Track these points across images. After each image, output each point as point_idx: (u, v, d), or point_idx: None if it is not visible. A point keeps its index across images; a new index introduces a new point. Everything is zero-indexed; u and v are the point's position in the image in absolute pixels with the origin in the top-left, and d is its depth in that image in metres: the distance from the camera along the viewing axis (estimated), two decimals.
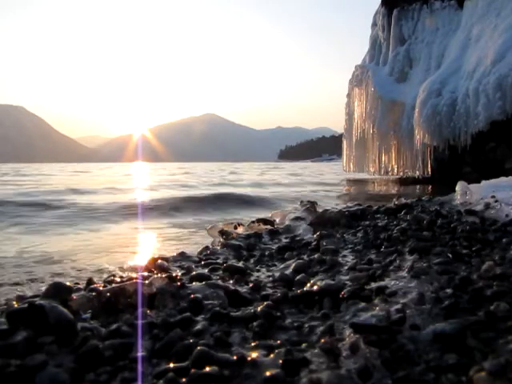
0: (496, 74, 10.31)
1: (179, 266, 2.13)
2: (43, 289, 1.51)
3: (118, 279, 1.78)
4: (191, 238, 3.80)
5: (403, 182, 13.59)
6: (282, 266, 2.11)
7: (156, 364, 1.06)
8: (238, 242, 2.72)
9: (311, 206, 3.84)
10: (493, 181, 4.77)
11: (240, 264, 2.11)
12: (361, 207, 3.98)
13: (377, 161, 15.60)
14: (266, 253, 2.46)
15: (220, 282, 1.70)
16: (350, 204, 4.24)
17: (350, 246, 2.55)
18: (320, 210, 3.73)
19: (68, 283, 1.62)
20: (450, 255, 2.03)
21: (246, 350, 1.11)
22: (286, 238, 2.93)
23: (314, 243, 2.58)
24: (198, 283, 1.64)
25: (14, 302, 1.44)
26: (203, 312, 1.38)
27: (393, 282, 1.63)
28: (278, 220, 3.68)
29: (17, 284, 2.17)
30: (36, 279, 2.27)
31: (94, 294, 1.47)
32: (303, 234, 3.01)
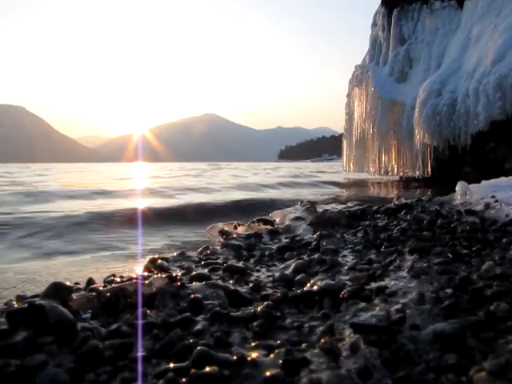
0: (496, 74, 10.31)
1: (179, 266, 2.13)
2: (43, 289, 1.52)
3: (118, 279, 1.78)
4: None
5: (404, 183, 13.60)
6: (282, 266, 2.11)
7: (156, 364, 1.06)
8: (238, 242, 2.72)
9: (311, 206, 3.84)
10: (493, 181, 4.77)
11: (240, 264, 2.11)
12: (361, 207, 3.98)
13: (377, 161, 15.59)
14: (266, 253, 2.46)
15: (220, 281, 1.70)
16: (350, 204, 4.24)
17: (350, 245, 2.55)
18: (320, 210, 3.73)
19: (68, 283, 1.62)
20: (450, 255, 2.03)
21: (246, 350, 1.11)
22: (286, 238, 2.93)
23: (314, 243, 2.58)
24: (197, 283, 1.64)
25: (14, 302, 1.44)
26: (203, 312, 1.38)
27: (393, 282, 1.63)
28: (278, 220, 3.68)
29: None
30: None
31: (93, 293, 1.47)
32: (303, 234, 3.01)
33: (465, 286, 1.51)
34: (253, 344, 1.15)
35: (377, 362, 1.01)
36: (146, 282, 1.55)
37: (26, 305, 1.21)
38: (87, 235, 4.31)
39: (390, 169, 15.19)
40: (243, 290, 1.62)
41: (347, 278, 1.76)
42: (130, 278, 1.72)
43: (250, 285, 1.70)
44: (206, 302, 1.44)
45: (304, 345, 1.14)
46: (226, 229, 3.20)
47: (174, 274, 1.79)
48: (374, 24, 17.83)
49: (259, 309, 1.37)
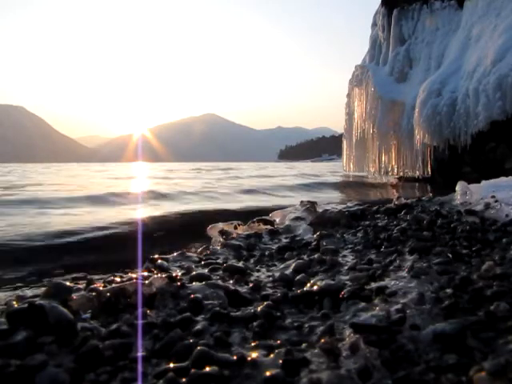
0: (496, 74, 10.31)
1: (179, 266, 2.13)
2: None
3: (118, 279, 1.78)
4: None
5: (404, 181, 13.58)
6: (282, 266, 2.11)
7: (156, 364, 1.06)
8: (238, 242, 2.72)
9: (311, 206, 3.84)
10: (493, 181, 4.77)
11: (240, 264, 2.11)
12: (361, 207, 3.98)
13: (377, 161, 15.58)
14: (266, 253, 2.46)
15: (220, 282, 1.70)
16: (349, 204, 4.24)
17: (349, 245, 2.55)
18: (320, 210, 3.73)
19: (68, 283, 1.62)
20: (450, 255, 2.03)
21: (246, 350, 1.11)
22: (286, 238, 2.93)
23: (314, 243, 2.58)
24: (197, 283, 1.64)
25: (14, 302, 1.44)
26: (203, 312, 1.38)
27: (393, 282, 1.63)
28: (277, 220, 3.67)
29: None
30: None
31: (93, 293, 1.47)
32: (303, 234, 3.01)
33: (465, 286, 1.51)
34: (253, 344, 1.15)
35: (377, 362, 1.01)
36: (146, 282, 1.55)
37: (25, 305, 1.21)
38: None
39: (389, 169, 15.19)
40: (243, 290, 1.62)
41: (347, 278, 1.76)
42: (130, 278, 1.72)
43: (250, 285, 1.70)
44: (206, 302, 1.44)
45: (304, 345, 1.14)
46: (226, 229, 3.20)
47: (174, 274, 1.79)
48: (374, 24, 17.83)
49: (259, 309, 1.37)
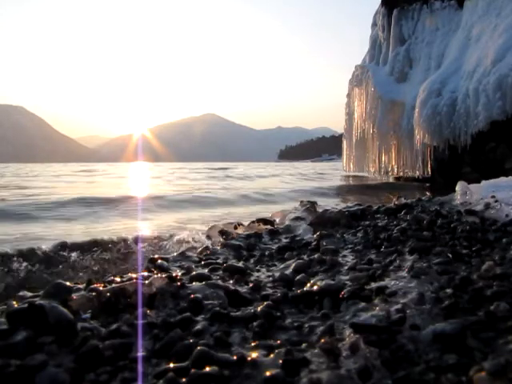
0: (496, 74, 10.31)
1: (179, 266, 2.13)
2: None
3: (118, 279, 1.78)
4: None
5: (404, 181, 13.57)
6: (282, 266, 2.11)
7: (156, 364, 1.06)
8: (238, 242, 2.72)
9: (311, 206, 3.84)
10: (493, 181, 4.77)
11: (240, 264, 2.11)
12: (361, 207, 3.98)
13: (377, 161, 15.60)
14: (266, 253, 2.46)
15: (220, 282, 1.70)
16: (350, 204, 4.24)
17: (349, 245, 2.55)
18: (320, 210, 3.73)
19: (68, 283, 1.62)
20: (450, 255, 2.03)
21: (246, 350, 1.11)
22: (286, 238, 2.93)
23: (314, 243, 2.58)
24: (197, 283, 1.64)
25: (14, 302, 1.44)
26: (203, 312, 1.38)
27: (393, 282, 1.63)
28: (277, 220, 3.68)
29: None
30: None
31: (93, 293, 1.47)
32: (303, 234, 3.01)
33: (465, 286, 1.51)
34: (253, 344, 1.15)
35: (377, 362, 1.01)
36: (146, 282, 1.55)
37: (25, 305, 1.21)
38: None
39: (389, 169, 15.19)
40: (243, 290, 1.62)
41: (347, 278, 1.76)
42: (130, 278, 1.72)
43: (250, 285, 1.70)
44: (206, 302, 1.44)
45: (304, 345, 1.14)
46: (226, 229, 3.20)
47: (174, 274, 1.79)
48: (374, 24, 17.84)
49: (259, 309, 1.37)
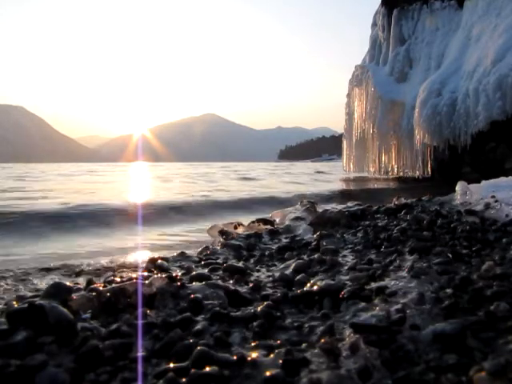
0: (496, 74, 10.31)
1: (179, 266, 2.14)
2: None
3: (118, 279, 1.78)
4: None
5: (404, 181, 13.56)
6: (282, 266, 2.11)
7: (156, 364, 1.06)
8: (238, 242, 2.72)
9: (311, 206, 3.84)
10: (493, 181, 4.77)
11: (240, 264, 2.11)
12: (361, 207, 3.98)
13: (377, 161, 15.60)
14: (266, 253, 2.46)
15: (220, 282, 1.70)
16: (350, 204, 4.24)
17: (349, 245, 2.55)
18: (320, 210, 3.73)
19: (68, 283, 1.62)
20: (450, 255, 2.03)
21: (246, 350, 1.11)
22: (286, 238, 2.93)
23: (314, 243, 2.58)
24: (197, 283, 1.64)
25: (14, 302, 1.44)
26: (203, 312, 1.38)
27: (393, 282, 1.63)
28: (277, 220, 3.68)
29: None
30: None
31: (93, 293, 1.47)
32: (303, 234, 3.01)
33: (465, 286, 1.51)
34: (253, 344, 1.15)
35: (377, 362, 1.01)
36: (146, 282, 1.55)
37: (25, 305, 1.21)
38: None
39: (389, 169, 15.19)
40: (243, 290, 1.62)
41: (347, 277, 1.76)
42: (130, 278, 1.72)
43: (250, 285, 1.70)
44: (206, 302, 1.44)
45: (304, 345, 1.14)
46: (226, 229, 3.20)
47: (174, 274, 1.79)
48: (374, 24, 17.84)
49: (259, 309, 1.37)
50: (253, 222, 3.45)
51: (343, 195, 8.86)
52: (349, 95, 17.76)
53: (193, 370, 0.98)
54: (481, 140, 10.87)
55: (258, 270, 2.06)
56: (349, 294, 1.48)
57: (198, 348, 1.06)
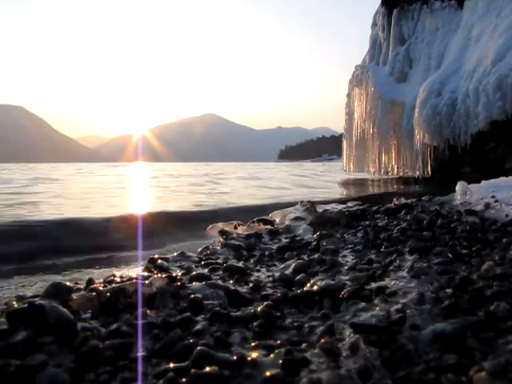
0: (496, 74, 10.31)
1: (179, 266, 2.13)
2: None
3: (118, 279, 1.78)
4: None
5: (404, 181, 13.56)
6: (282, 266, 2.11)
7: (156, 364, 1.06)
8: (238, 242, 2.72)
9: (311, 206, 3.84)
10: (493, 181, 4.77)
11: (240, 264, 2.11)
12: (361, 207, 3.98)
13: (377, 161, 15.61)
14: (266, 253, 2.46)
15: (220, 282, 1.70)
16: (350, 204, 4.24)
17: (349, 245, 2.55)
18: (320, 210, 3.73)
19: (68, 283, 1.62)
20: (450, 255, 2.03)
21: (246, 350, 1.11)
22: (286, 237, 2.93)
23: (314, 243, 2.58)
24: (197, 283, 1.64)
25: (14, 302, 1.44)
26: (203, 312, 1.38)
27: (393, 282, 1.63)
28: (277, 220, 3.68)
29: None
30: None
31: (93, 293, 1.47)
32: (303, 233, 3.01)
33: (465, 286, 1.51)
34: (253, 344, 1.15)
35: (377, 362, 1.01)
36: (146, 282, 1.55)
37: (25, 305, 1.21)
38: None
39: (390, 169, 15.20)
40: (243, 290, 1.62)
41: (347, 278, 1.76)
42: (130, 278, 1.72)
43: (250, 285, 1.70)
44: (206, 302, 1.44)
45: (304, 345, 1.14)
46: (226, 229, 3.20)
47: (174, 274, 1.79)
48: (374, 24, 17.85)
49: (259, 309, 1.37)
50: (253, 221, 3.45)
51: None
52: (349, 95, 17.77)
53: (193, 370, 0.98)
54: (481, 140, 10.87)
55: (258, 270, 2.06)
56: (349, 294, 1.48)
57: (198, 348, 1.06)
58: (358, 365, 0.99)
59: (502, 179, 5.00)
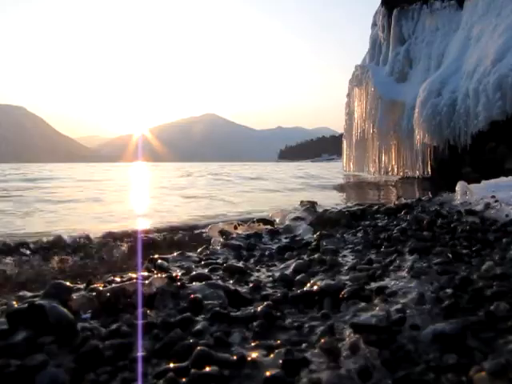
0: (496, 74, 10.31)
1: (179, 266, 2.13)
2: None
3: (118, 279, 1.78)
4: None
5: (404, 181, 13.56)
6: (282, 266, 2.11)
7: (156, 364, 1.06)
8: (238, 242, 2.72)
9: (311, 205, 3.85)
10: (493, 181, 4.77)
11: (240, 264, 2.11)
12: (361, 207, 3.98)
13: (377, 161, 15.60)
14: (266, 253, 2.46)
15: (220, 282, 1.70)
16: (349, 204, 4.24)
17: (349, 246, 2.55)
18: (320, 210, 3.73)
19: (68, 283, 1.62)
20: (450, 255, 2.03)
21: (246, 350, 1.11)
22: (285, 238, 2.93)
23: (314, 243, 2.58)
24: (198, 283, 1.64)
25: (14, 302, 1.44)
26: (203, 312, 1.38)
27: (393, 282, 1.63)
28: (277, 220, 3.68)
29: None
30: None
31: (94, 293, 1.47)
32: (303, 234, 3.01)
33: (465, 286, 1.51)
34: (253, 344, 1.15)
35: (377, 362, 1.01)
36: (146, 282, 1.55)
37: (25, 305, 1.21)
38: None
39: (389, 169, 15.19)
40: (243, 290, 1.62)
41: (347, 277, 1.76)
42: (130, 278, 1.72)
43: (250, 285, 1.70)
44: (206, 302, 1.44)
45: (304, 345, 1.14)
46: (226, 229, 3.20)
47: (174, 274, 1.79)
48: (374, 24, 17.85)
49: (259, 309, 1.37)
50: (253, 221, 3.45)
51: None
52: (349, 95, 17.79)
53: (193, 370, 0.98)
54: (481, 140, 10.87)
55: (258, 270, 2.06)
56: (349, 294, 1.48)
57: (198, 348, 1.06)
58: (358, 365, 0.99)
59: (502, 179, 5.01)
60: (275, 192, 10.28)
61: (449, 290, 1.47)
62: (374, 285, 1.62)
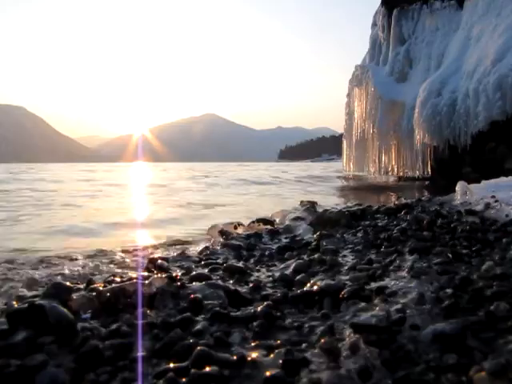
0: (496, 74, 10.31)
1: (179, 266, 2.14)
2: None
3: (118, 279, 1.78)
4: None
5: (404, 181, 13.54)
6: (282, 266, 2.11)
7: (156, 364, 1.06)
8: (238, 242, 2.72)
9: (311, 205, 3.85)
10: (493, 181, 4.77)
11: (240, 264, 2.11)
12: (361, 207, 3.98)
13: (377, 161, 15.59)
14: (266, 253, 2.46)
15: (220, 282, 1.70)
16: (349, 204, 4.24)
17: (350, 246, 2.55)
18: (320, 210, 3.73)
19: (68, 283, 1.62)
20: (450, 255, 2.03)
21: (246, 350, 1.11)
22: (285, 238, 2.93)
23: (314, 243, 2.58)
24: (198, 283, 1.64)
25: (14, 302, 1.44)
26: (203, 312, 1.38)
27: (393, 282, 1.63)
28: (278, 220, 3.68)
29: None
30: None
31: (94, 293, 1.47)
32: (303, 234, 3.01)
33: (465, 286, 1.51)
34: (253, 344, 1.15)
35: (377, 362, 1.01)
36: (146, 282, 1.55)
37: (26, 305, 1.21)
38: None
39: (390, 169, 15.18)
40: (243, 290, 1.62)
41: (347, 277, 1.76)
42: (130, 278, 1.72)
43: (250, 285, 1.70)
44: (206, 302, 1.44)
45: (304, 345, 1.14)
46: (226, 229, 3.20)
47: (174, 274, 1.79)
48: (374, 24, 17.84)
49: (259, 309, 1.37)
50: (253, 221, 3.45)
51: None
52: (349, 95, 17.77)
53: (193, 370, 0.98)
54: (481, 140, 10.86)
55: (258, 270, 2.06)
56: (349, 294, 1.48)
57: (198, 348, 1.06)
58: (358, 365, 0.99)
59: (502, 179, 5.01)
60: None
61: (449, 290, 1.47)
62: (374, 285, 1.62)
